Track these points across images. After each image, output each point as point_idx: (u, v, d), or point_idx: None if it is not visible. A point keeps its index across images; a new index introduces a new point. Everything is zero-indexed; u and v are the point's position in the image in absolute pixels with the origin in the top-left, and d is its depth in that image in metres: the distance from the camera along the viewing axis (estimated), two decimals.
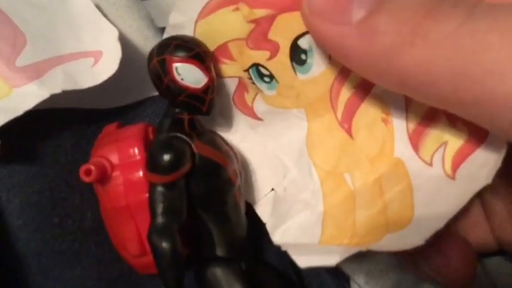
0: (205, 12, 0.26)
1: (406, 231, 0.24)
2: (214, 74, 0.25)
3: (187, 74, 0.24)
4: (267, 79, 0.26)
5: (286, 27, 0.24)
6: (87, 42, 0.28)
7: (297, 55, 0.25)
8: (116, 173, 0.24)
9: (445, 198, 0.24)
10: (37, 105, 0.25)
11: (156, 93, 0.29)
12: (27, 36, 0.27)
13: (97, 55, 0.28)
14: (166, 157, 0.23)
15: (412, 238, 0.24)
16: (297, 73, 0.25)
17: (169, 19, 0.27)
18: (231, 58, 0.27)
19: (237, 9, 0.25)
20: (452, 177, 0.24)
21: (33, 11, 0.28)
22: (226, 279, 0.25)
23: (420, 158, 0.25)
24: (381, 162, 0.26)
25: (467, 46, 0.17)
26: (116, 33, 0.27)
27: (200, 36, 0.27)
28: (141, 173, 0.24)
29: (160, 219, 0.23)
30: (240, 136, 0.29)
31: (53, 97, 0.25)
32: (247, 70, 0.26)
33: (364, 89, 0.25)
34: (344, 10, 0.20)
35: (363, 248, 0.23)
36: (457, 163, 0.24)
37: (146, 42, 0.30)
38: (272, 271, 0.29)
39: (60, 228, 0.27)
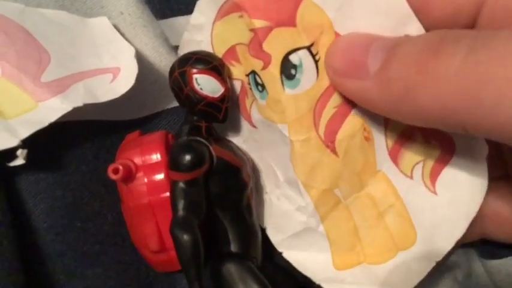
0: (221, 14, 0.27)
1: (416, 250, 0.26)
2: (229, 84, 0.27)
3: (206, 84, 0.26)
4: (260, 88, 0.27)
5: (280, 41, 0.25)
6: (106, 59, 0.30)
7: (287, 69, 0.25)
8: (140, 174, 0.26)
9: (439, 217, 0.26)
10: (60, 118, 0.26)
11: (170, 106, 0.32)
12: (51, 54, 0.28)
13: (115, 71, 0.29)
14: (188, 156, 0.24)
15: (424, 260, 0.26)
16: (285, 87, 0.25)
17: (191, 19, 0.28)
18: (237, 60, 0.28)
19: (242, 16, 0.26)
20: (433, 192, 0.26)
21: (57, 30, 0.29)
22: (240, 274, 0.26)
23: (401, 171, 0.26)
24: (365, 175, 0.27)
25: (473, 79, 0.18)
26: (132, 51, 0.29)
27: (216, 36, 0.28)
28: (162, 174, 0.26)
29: (181, 213, 0.24)
30: (242, 138, 0.31)
31: (75, 110, 0.27)
32: (247, 75, 0.27)
33: (346, 109, 0.26)
34: (361, 66, 0.22)
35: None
36: (434, 177, 0.26)
37: (161, 58, 0.32)
38: (282, 270, 0.30)
39: (82, 231, 0.29)
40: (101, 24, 0.30)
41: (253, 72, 0.27)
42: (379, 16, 0.24)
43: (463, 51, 0.18)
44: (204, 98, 0.26)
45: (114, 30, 0.30)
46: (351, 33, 0.24)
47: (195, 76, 0.26)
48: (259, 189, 0.31)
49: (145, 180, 0.26)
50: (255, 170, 0.30)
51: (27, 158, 0.26)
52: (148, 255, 0.27)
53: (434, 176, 0.26)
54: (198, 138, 0.26)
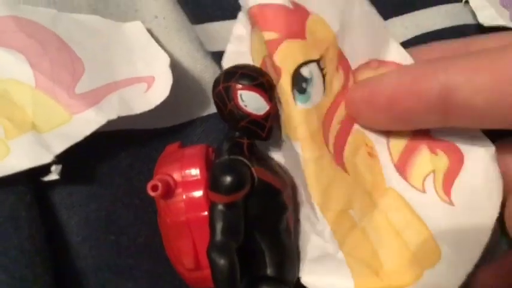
0: (251, 25, 0.26)
1: (443, 266, 0.25)
2: (275, 102, 0.25)
3: (251, 101, 0.24)
4: (278, 103, 0.26)
5: (291, 53, 0.24)
6: (140, 67, 0.28)
7: (299, 83, 0.25)
8: (178, 190, 0.25)
9: (460, 227, 0.25)
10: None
11: (205, 114, 0.31)
12: (85, 62, 0.27)
13: (150, 80, 0.28)
14: (229, 178, 0.23)
15: (453, 275, 0.25)
16: (297, 101, 0.25)
17: (233, 30, 0.27)
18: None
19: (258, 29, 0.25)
20: (450, 203, 0.25)
21: (90, 36, 0.28)
22: None
23: (411, 185, 0.25)
24: (376, 193, 0.26)
25: None
26: (167, 60, 0.28)
27: (252, 48, 0.27)
28: (201, 192, 0.25)
29: (219, 237, 0.23)
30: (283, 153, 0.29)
31: (109, 121, 0.26)
32: None
33: (348, 125, 0.26)
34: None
35: None
36: (447, 187, 0.25)
37: (195, 64, 0.30)
38: None
39: (115, 245, 0.28)
40: (135, 28, 0.29)
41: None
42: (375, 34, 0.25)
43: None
44: (247, 115, 0.25)
45: (149, 35, 0.29)
46: None
47: (239, 92, 0.24)
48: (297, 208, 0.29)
49: (184, 197, 0.25)
50: (294, 189, 0.28)
51: (61, 172, 0.25)
52: (183, 272, 0.26)
53: (447, 186, 0.25)
54: (240, 157, 0.24)
